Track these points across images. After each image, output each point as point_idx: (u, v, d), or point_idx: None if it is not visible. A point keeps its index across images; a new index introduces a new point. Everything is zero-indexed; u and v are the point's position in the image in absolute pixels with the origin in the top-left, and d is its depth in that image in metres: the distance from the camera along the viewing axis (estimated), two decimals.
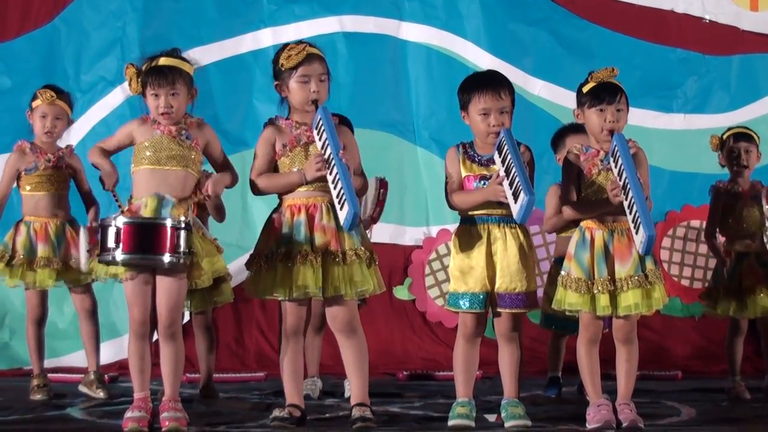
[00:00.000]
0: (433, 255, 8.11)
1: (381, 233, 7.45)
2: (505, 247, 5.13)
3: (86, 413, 5.64)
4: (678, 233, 8.20)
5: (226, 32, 8.13)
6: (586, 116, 5.20)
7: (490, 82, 5.23)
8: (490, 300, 5.15)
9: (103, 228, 4.91)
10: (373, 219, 6.41)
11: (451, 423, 5.13)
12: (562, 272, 5.19)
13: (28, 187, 6.36)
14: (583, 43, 8.24)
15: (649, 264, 5.08)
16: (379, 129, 8.04)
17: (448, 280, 5.31)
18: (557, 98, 8.06)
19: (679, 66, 8.32)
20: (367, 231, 5.49)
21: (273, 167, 5.19)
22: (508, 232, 5.14)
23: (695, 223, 8.14)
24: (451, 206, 5.26)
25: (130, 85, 5.14)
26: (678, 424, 5.37)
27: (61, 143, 6.54)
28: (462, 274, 5.17)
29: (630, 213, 4.91)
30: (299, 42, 5.24)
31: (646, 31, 8.33)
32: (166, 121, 5.09)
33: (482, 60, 8.05)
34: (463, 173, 5.20)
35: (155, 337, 5.14)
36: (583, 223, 5.18)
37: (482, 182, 5.16)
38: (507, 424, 5.12)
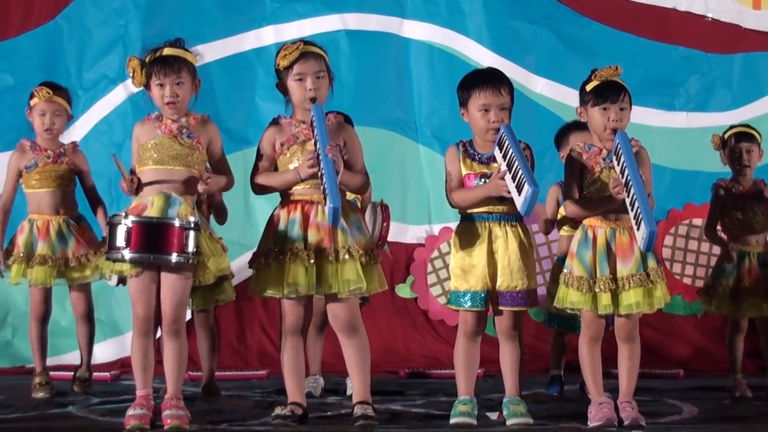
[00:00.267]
0: (436, 253, 8.11)
1: None
2: (506, 245, 5.13)
3: (88, 411, 5.64)
4: (680, 231, 8.20)
5: (229, 30, 8.13)
6: (590, 114, 5.20)
7: (490, 78, 5.23)
8: (490, 298, 5.16)
9: (112, 226, 4.92)
10: (382, 237, 6.27)
11: (452, 421, 5.13)
12: (564, 270, 5.20)
13: (30, 185, 6.36)
14: (585, 41, 8.24)
15: (651, 262, 5.09)
16: (382, 127, 8.04)
17: (450, 278, 5.31)
18: (559, 96, 8.06)
19: (682, 64, 8.32)
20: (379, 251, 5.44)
21: (274, 166, 5.19)
22: (508, 229, 5.14)
23: (697, 221, 8.14)
24: (452, 204, 5.26)
25: (133, 77, 5.14)
26: (680, 423, 5.37)
27: (64, 139, 6.54)
28: (463, 272, 5.17)
29: (632, 210, 4.92)
30: (297, 41, 5.24)
31: (649, 29, 8.32)
32: (171, 111, 5.10)
33: (484, 58, 8.04)
34: (464, 171, 5.20)
35: (158, 334, 5.15)
36: (585, 222, 5.19)
37: (482, 180, 5.15)
38: (509, 422, 5.12)
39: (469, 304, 5.15)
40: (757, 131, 6.65)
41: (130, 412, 4.96)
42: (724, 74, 8.33)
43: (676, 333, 8.10)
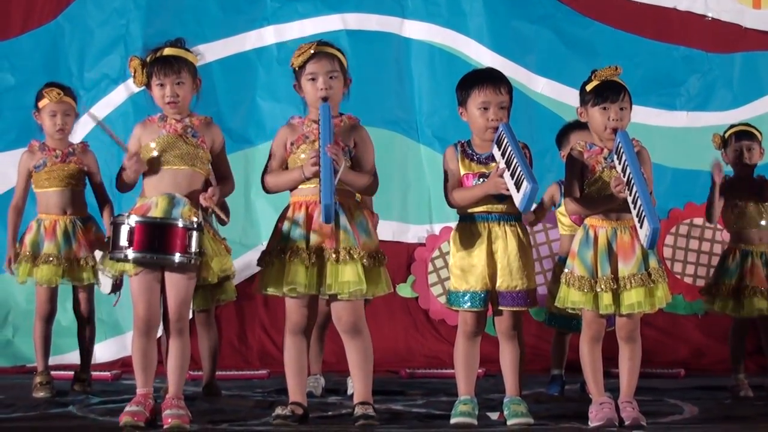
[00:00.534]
0: (436, 253, 8.11)
1: (384, 231, 7.43)
2: (506, 245, 5.13)
3: (89, 411, 5.64)
4: (681, 231, 8.20)
5: (230, 30, 8.13)
6: (590, 114, 5.20)
7: (489, 77, 5.25)
8: (490, 298, 5.16)
9: (116, 226, 4.93)
10: None
11: (453, 421, 5.13)
12: (566, 270, 5.20)
13: (38, 185, 6.39)
14: (585, 40, 8.23)
15: (652, 262, 5.09)
16: (382, 127, 8.03)
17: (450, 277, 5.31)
18: (560, 96, 8.05)
19: (682, 63, 8.31)
20: None
21: (285, 166, 5.19)
22: (508, 229, 5.15)
23: (698, 220, 8.13)
24: (451, 204, 5.27)
25: (134, 77, 5.15)
26: (681, 422, 5.36)
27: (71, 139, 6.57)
28: (462, 272, 5.17)
29: (634, 208, 4.91)
30: (313, 41, 5.24)
31: (649, 29, 8.32)
32: (172, 111, 5.11)
33: (485, 57, 8.04)
34: (462, 171, 5.21)
35: (158, 334, 5.15)
36: (586, 221, 5.19)
37: (481, 180, 5.16)
38: (509, 422, 5.12)
39: (469, 304, 5.15)
40: (757, 130, 6.65)
41: (126, 408, 4.97)
42: (725, 74, 8.33)
43: (677, 333, 8.10)
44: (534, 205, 5.40)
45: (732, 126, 6.74)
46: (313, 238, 5.04)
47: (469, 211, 5.20)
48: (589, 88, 5.21)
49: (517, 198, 4.93)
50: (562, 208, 6.35)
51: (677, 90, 8.30)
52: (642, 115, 7.62)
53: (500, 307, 5.16)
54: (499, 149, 5.08)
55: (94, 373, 6.78)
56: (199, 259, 5.00)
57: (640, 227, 4.88)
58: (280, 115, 7.94)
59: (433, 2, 8.24)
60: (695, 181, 8.03)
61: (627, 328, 5.14)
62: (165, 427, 4.93)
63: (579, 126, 6.19)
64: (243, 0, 8.18)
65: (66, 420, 5.41)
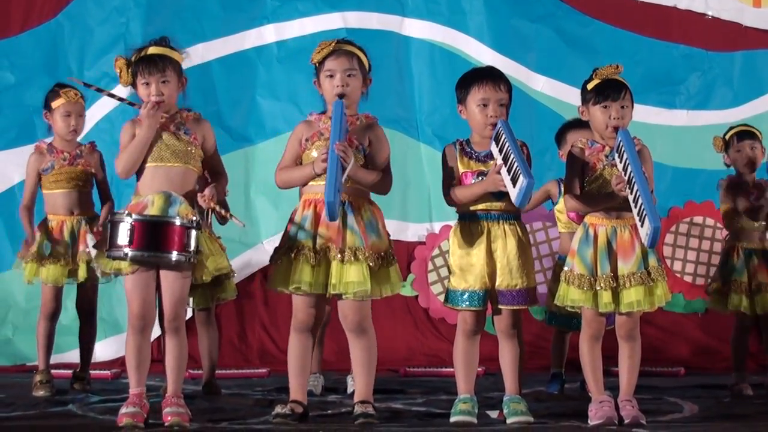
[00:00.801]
0: (436, 251, 8.10)
1: None
2: (505, 244, 5.13)
3: (89, 409, 5.64)
4: (681, 229, 8.19)
5: (230, 28, 8.12)
6: (591, 113, 5.20)
7: (489, 75, 5.26)
8: (489, 297, 5.16)
9: (113, 224, 4.93)
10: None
11: (453, 419, 5.13)
12: (565, 268, 5.20)
13: (45, 186, 6.40)
14: (585, 39, 8.23)
15: (652, 261, 5.09)
16: (383, 125, 7.93)
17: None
18: (560, 94, 8.05)
19: (682, 62, 8.31)
20: None
21: (300, 162, 5.19)
22: (507, 228, 5.14)
23: (698, 219, 8.13)
24: (450, 203, 5.27)
25: (120, 77, 5.15)
26: (680, 421, 5.36)
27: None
28: (461, 271, 5.17)
29: (635, 206, 4.91)
30: (335, 39, 5.25)
31: (649, 28, 8.32)
32: (158, 109, 5.08)
33: (485, 56, 8.04)
34: (461, 170, 5.21)
35: (158, 334, 5.15)
36: (586, 219, 5.19)
37: (480, 178, 5.16)
38: (509, 421, 5.12)
39: (467, 303, 5.15)
40: (757, 130, 6.65)
41: (122, 410, 4.95)
42: (725, 72, 8.32)
43: (677, 331, 8.10)
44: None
45: (731, 127, 6.73)
46: (321, 237, 5.04)
47: (469, 209, 5.19)
48: (590, 86, 5.21)
49: (513, 193, 4.93)
50: (560, 206, 6.35)
51: (677, 88, 8.30)
52: (642, 113, 7.61)
53: (500, 306, 5.16)
54: (497, 145, 5.08)
55: (94, 372, 6.78)
56: (196, 257, 5.00)
57: (641, 226, 4.87)
58: (280, 113, 7.98)
59: (434, 1, 8.24)
60: (695, 180, 8.04)
61: (627, 327, 5.14)
62: (165, 425, 4.92)
63: (576, 125, 6.21)
64: None
65: (66, 419, 5.41)
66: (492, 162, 5.13)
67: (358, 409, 5.06)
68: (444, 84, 7.95)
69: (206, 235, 5.17)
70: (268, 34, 8.16)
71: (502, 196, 5.09)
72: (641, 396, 5.35)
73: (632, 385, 5.16)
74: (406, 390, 6.51)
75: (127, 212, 4.94)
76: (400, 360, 7.77)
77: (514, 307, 5.15)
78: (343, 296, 5.04)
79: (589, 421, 5.07)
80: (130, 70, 5.11)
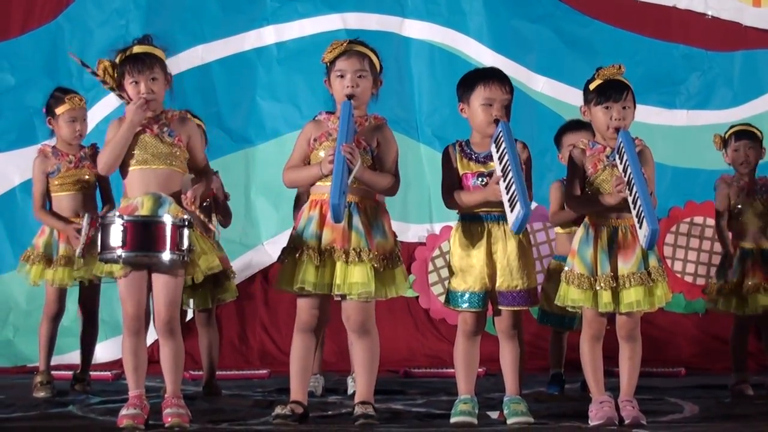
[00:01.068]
0: (437, 252, 8.11)
1: None
2: (505, 245, 5.13)
3: (89, 410, 5.64)
4: (681, 230, 8.19)
5: (230, 29, 8.13)
6: (593, 113, 5.20)
7: (496, 75, 5.25)
8: (489, 297, 5.15)
9: (105, 226, 4.92)
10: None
11: (453, 420, 5.13)
12: (566, 268, 5.20)
13: (52, 190, 6.41)
14: (585, 39, 8.23)
15: (652, 261, 5.08)
16: None
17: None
18: (560, 95, 8.06)
19: (682, 62, 8.31)
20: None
21: (308, 162, 5.18)
22: (507, 229, 5.12)
23: (698, 219, 8.13)
24: (449, 205, 5.26)
25: (104, 81, 5.15)
26: (681, 421, 5.36)
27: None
28: (461, 272, 5.17)
29: (634, 208, 4.91)
30: (347, 39, 5.24)
31: (649, 28, 8.32)
32: (147, 108, 5.07)
33: (485, 57, 8.04)
34: (461, 171, 5.21)
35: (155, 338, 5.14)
36: (587, 219, 5.19)
37: (480, 179, 5.16)
38: (509, 421, 5.11)
39: (467, 304, 5.15)
40: (758, 129, 6.65)
41: (123, 412, 4.94)
42: (725, 72, 8.33)
43: (678, 331, 8.10)
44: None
45: (732, 126, 6.74)
46: (325, 238, 5.03)
47: (468, 210, 5.19)
48: (592, 87, 5.20)
49: (510, 218, 4.92)
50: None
51: (677, 88, 8.30)
52: (642, 113, 7.53)
53: (500, 307, 5.16)
54: (497, 151, 5.06)
55: (94, 373, 6.79)
56: (189, 256, 4.99)
57: (640, 228, 4.87)
58: (280, 114, 7.99)
59: (433, 1, 8.24)
60: (695, 180, 8.04)
61: (627, 327, 5.14)
62: (165, 425, 4.92)
63: (572, 128, 6.23)
64: (243, 0, 8.19)
65: (66, 420, 5.40)
66: (492, 163, 5.13)
67: (358, 410, 5.06)
68: (444, 85, 7.96)
69: (197, 233, 5.15)
70: (268, 35, 8.17)
71: None
72: (642, 396, 5.34)
73: (633, 386, 5.15)
74: (407, 391, 6.51)
75: (117, 214, 4.92)
76: (400, 361, 7.77)
77: (515, 308, 5.15)
78: (347, 297, 5.04)
79: (589, 422, 5.06)
80: (116, 72, 5.11)
